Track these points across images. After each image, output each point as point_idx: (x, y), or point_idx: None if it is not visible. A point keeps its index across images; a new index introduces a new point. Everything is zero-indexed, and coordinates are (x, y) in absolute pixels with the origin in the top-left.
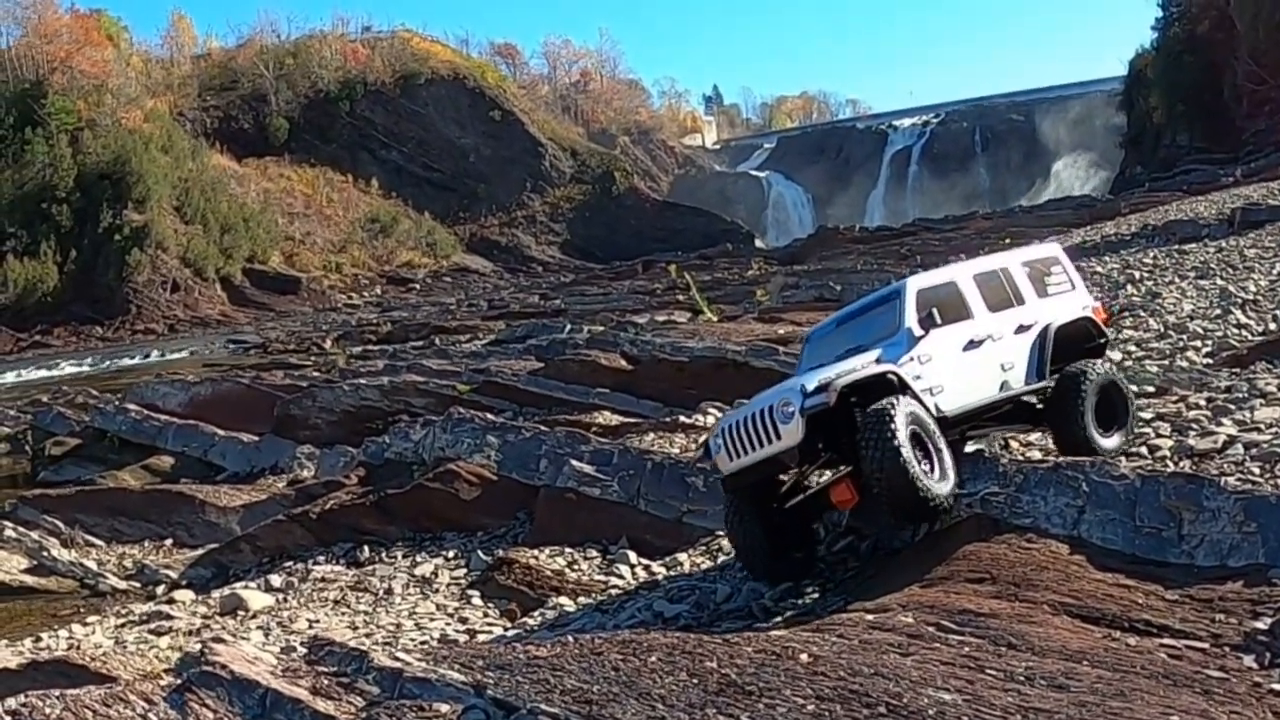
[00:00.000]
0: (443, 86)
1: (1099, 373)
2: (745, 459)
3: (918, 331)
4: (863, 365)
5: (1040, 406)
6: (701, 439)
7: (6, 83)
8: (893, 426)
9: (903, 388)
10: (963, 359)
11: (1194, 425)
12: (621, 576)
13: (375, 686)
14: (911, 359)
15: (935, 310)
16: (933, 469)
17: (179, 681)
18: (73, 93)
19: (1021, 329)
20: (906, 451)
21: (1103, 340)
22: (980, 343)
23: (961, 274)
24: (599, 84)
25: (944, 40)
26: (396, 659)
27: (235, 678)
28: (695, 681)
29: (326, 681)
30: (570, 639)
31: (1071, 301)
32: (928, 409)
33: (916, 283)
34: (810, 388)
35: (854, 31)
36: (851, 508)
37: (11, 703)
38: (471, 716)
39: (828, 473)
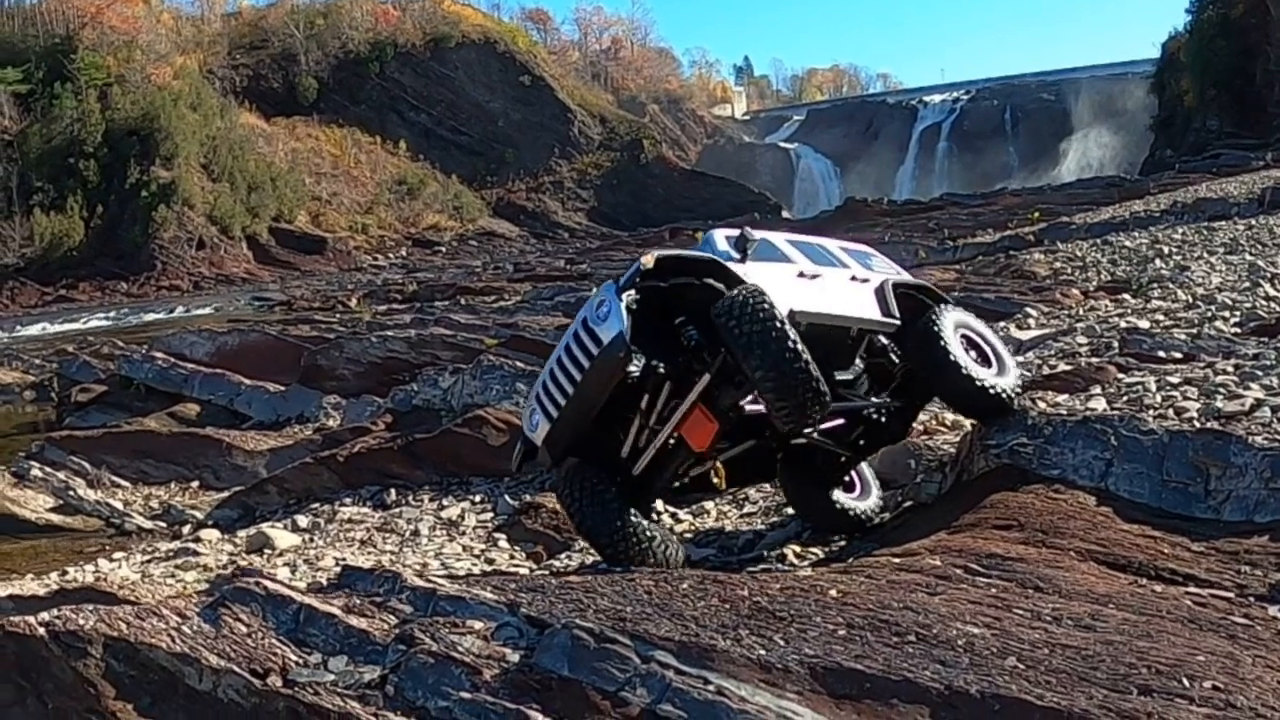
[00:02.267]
0: (473, 50)
1: (944, 310)
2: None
3: (734, 255)
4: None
5: (899, 373)
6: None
7: (36, 37)
8: (765, 303)
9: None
10: (795, 280)
11: (1221, 390)
12: None
13: (408, 605)
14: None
15: (749, 246)
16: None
17: (212, 598)
18: (102, 48)
19: (856, 280)
20: (791, 330)
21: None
22: (814, 277)
23: (775, 236)
24: (629, 52)
25: (976, 19)
26: (430, 581)
27: (269, 594)
28: (727, 607)
29: (359, 601)
30: (601, 571)
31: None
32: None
33: (720, 230)
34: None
35: (887, 7)
36: (713, 440)
37: (44, 615)
38: (505, 633)
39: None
